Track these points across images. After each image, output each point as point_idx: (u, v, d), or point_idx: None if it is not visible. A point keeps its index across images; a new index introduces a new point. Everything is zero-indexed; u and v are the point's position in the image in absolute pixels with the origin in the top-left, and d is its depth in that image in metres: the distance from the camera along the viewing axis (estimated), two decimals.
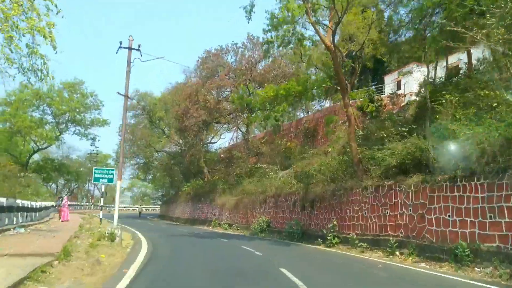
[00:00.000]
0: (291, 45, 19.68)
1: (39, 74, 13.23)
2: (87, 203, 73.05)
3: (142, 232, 23.26)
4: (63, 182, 74.56)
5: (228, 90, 38.67)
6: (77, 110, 49.29)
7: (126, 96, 14.98)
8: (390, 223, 14.71)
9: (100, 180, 16.73)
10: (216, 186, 37.94)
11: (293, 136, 37.44)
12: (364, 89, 19.81)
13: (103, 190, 17.59)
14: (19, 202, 17.99)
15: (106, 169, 16.93)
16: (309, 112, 40.77)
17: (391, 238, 14.18)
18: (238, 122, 41.90)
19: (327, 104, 38.14)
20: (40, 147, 52.54)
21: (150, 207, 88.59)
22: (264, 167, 28.97)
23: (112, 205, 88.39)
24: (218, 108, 38.14)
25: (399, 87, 30.56)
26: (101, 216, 17.00)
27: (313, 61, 19.76)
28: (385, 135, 18.71)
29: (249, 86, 23.82)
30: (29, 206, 20.29)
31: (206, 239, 20.53)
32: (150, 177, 69.10)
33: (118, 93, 14.96)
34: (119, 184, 15.46)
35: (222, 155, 45.73)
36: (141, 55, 16.02)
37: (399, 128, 18.25)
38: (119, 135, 52.95)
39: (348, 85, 17.68)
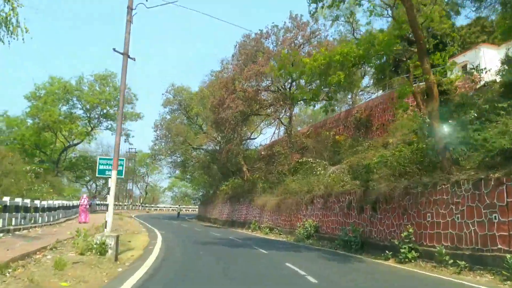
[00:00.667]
0: (346, 5, 15.44)
1: (8, 25, 9.86)
2: (125, 203, 71.54)
3: (165, 237, 19.77)
4: (102, 182, 73.27)
5: (268, 79, 34.82)
6: (109, 103, 46.49)
7: (125, 55, 11.22)
8: (501, 233, 10.12)
9: (106, 172, 13.26)
10: (256, 185, 34.21)
11: (342, 128, 33.15)
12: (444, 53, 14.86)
13: (109, 185, 13.99)
14: (6, 200, 14.71)
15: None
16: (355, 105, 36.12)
17: (507, 256, 9.57)
18: (280, 114, 37.95)
19: (379, 93, 33.66)
20: (71, 143, 50.43)
21: (190, 208, 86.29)
22: (311, 161, 24.66)
23: (152, 205, 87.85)
24: (257, 99, 34.29)
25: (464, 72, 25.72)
26: (106, 218, 13.32)
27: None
28: (475, 115, 14.28)
29: (294, 52, 19.46)
30: (28, 206, 17.04)
31: (240, 249, 16.51)
32: (188, 176, 66.46)
33: (115, 50, 11.15)
34: (114, 174, 11.77)
35: (262, 153, 41.99)
36: (146, 0, 12.22)
37: (496, 104, 13.75)
38: (154, 131, 50.56)
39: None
